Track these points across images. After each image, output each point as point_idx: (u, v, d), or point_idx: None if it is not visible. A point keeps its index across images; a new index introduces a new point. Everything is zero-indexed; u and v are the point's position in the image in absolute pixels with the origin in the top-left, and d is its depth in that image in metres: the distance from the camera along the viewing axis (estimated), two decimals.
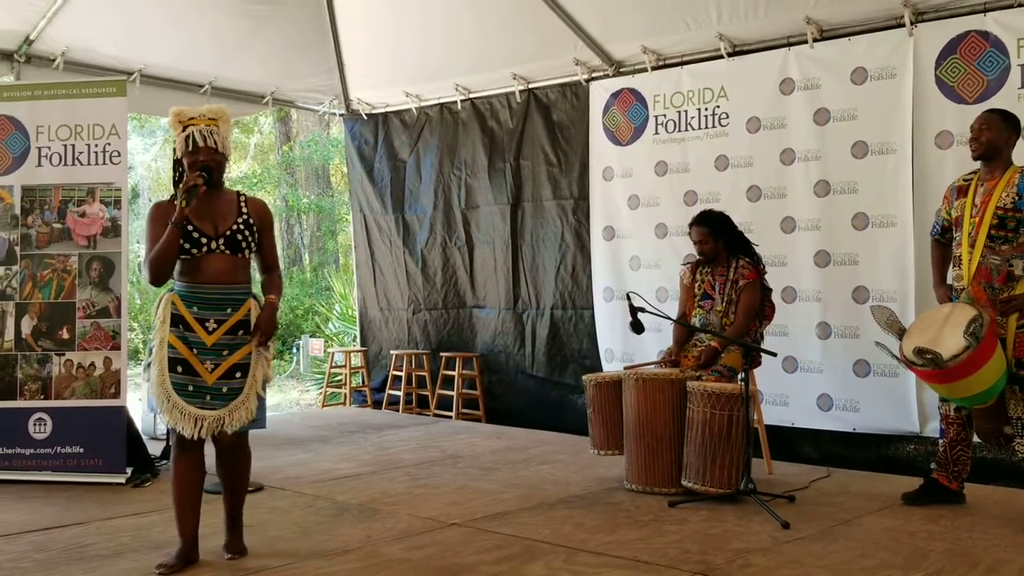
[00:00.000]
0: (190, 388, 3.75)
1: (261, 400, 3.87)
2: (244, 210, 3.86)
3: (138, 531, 4.42)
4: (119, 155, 5.75)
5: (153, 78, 7.69)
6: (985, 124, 4.59)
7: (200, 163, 3.77)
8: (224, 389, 3.77)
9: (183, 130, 3.78)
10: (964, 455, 4.83)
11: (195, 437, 3.72)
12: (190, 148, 3.78)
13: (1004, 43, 5.55)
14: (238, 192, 3.95)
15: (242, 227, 3.81)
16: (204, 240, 3.75)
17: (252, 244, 3.85)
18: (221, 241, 3.77)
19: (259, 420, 3.89)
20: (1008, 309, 4.45)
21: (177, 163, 3.94)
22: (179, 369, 3.75)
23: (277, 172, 19.92)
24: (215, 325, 3.76)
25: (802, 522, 4.52)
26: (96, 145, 5.74)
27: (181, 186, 3.75)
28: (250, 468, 4.10)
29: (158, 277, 3.78)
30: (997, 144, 4.58)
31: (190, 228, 3.73)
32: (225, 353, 3.78)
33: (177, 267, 3.80)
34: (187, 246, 3.73)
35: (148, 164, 21.08)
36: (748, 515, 4.64)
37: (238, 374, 3.80)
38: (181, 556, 3.81)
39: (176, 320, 3.77)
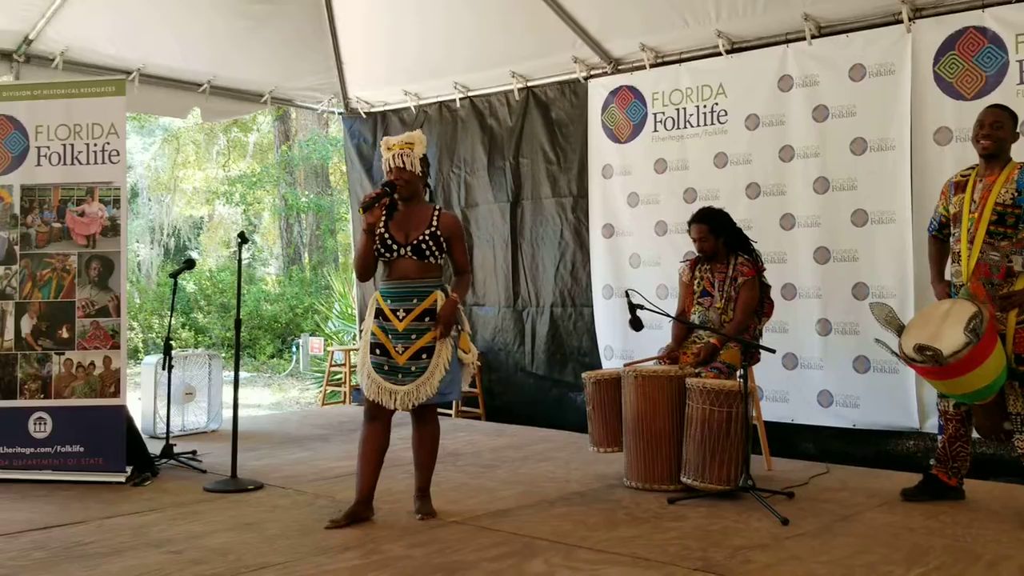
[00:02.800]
0: (386, 368, 4.47)
1: (454, 377, 4.50)
2: (434, 223, 4.50)
3: (138, 530, 4.42)
4: (118, 154, 5.75)
5: (152, 77, 7.70)
6: (999, 121, 4.58)
7: (386, 181, 4.56)
8: (412, 368, 4.43)
9: (388, 154, 4.54)
10: (963, 451, 4.84)
11: (392, 408, 4.47)
12: (388, 168, 4.54)
13: (1002, 39, 5.56)
14: (436, 207, 4.60)
15: (427, 238, 4.46)
16: (395, 247, 4.47)
17: (436, 252, 4.48)
18: (409, 248, 4.46)
19: (450, 394, 4.55)
20: (1008, 305, 4.46)
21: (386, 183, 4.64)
22: (377, 352, 4.49)
23: (276, 171, 19.93)
24: (404, 314, 4.45)
25: (801, 518, 4.53)
26: (95, 144, 5.74)
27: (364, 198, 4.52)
28: (437, 441, 4.67)
29: (360, 275, 4.71)
30: (1007, 141, 4.60)
31: (387, 236, 4.48)
32: (413, 337, 4.44)
33: (380, 268, 4.59)
34: (383, 251, 4.49)
35: (147, 163, 21.09)
36: (747, 511, 4.65)
37: (424, 355, 4.44)
38: (349, 514, 4.50)
39: (378, 312, 4.52)
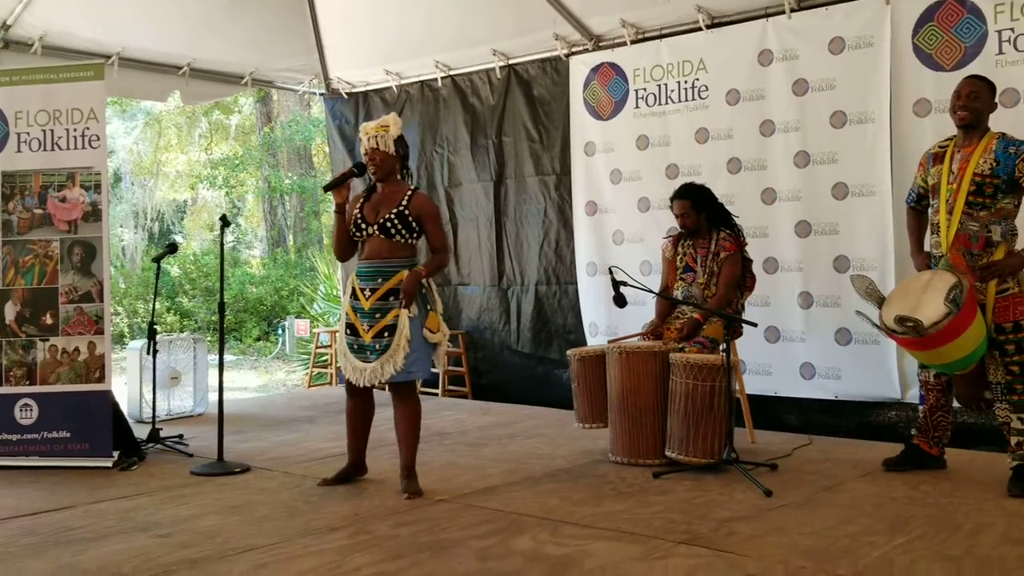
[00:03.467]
0: (355, 346, 4.63)
1: (418, 356, 4.58)
2: (404, 203, 4.59)
3: (125, 514, 4.43)
4: (98, 139, 5.72)
5: (131, 61, 7.65)
6: (975, 92, 4.57)
7: (356, 162, 4.79)
8: (376, 346, 4.55)
9: (364, 138, 4.65)
10: (944, 420, 4.89)
11: (361, 384, 4.61)
12: (364, 151, 4.67)
13: (981, 9, 5.57)
14: (411, 187, 4.69)
15: (394, 217, 4.55)
16: (364, 226, 4.61)
17: (404, 231, 4.57)
18: (376, 227, 4.58)
19: (414, 372, 4.61)
20: (987, 275, 4.49)
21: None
22: (348, 331, 4.66)
23: (259, 153, 19.83)
24: (370, 293, 4.58)
25: (785, 490, 4.58)
26: (75, 130, 5.70)
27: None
28: (416, 418, 4.73)
29: (338, 255, 4.91)
30: (984, 112, 4.60)
31: (358, 216, 4.63)
32: (377, 316, 4.56)
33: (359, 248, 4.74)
34: (354, 230, 4.65)
35: (129, 148, 20.97)
36: (731, 484, 4.70)
37: (386, 334, 4.53)
38: (340, 475, 4.88)
39: (352, 292, 4.66)
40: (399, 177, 4.72)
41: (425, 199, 4.69)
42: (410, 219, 4.58)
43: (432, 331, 4.62)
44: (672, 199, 5.68)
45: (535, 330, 7.96)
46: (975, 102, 4.57)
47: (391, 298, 4.54)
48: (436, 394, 8.24)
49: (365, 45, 8.55)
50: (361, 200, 4.72)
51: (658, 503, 4.42)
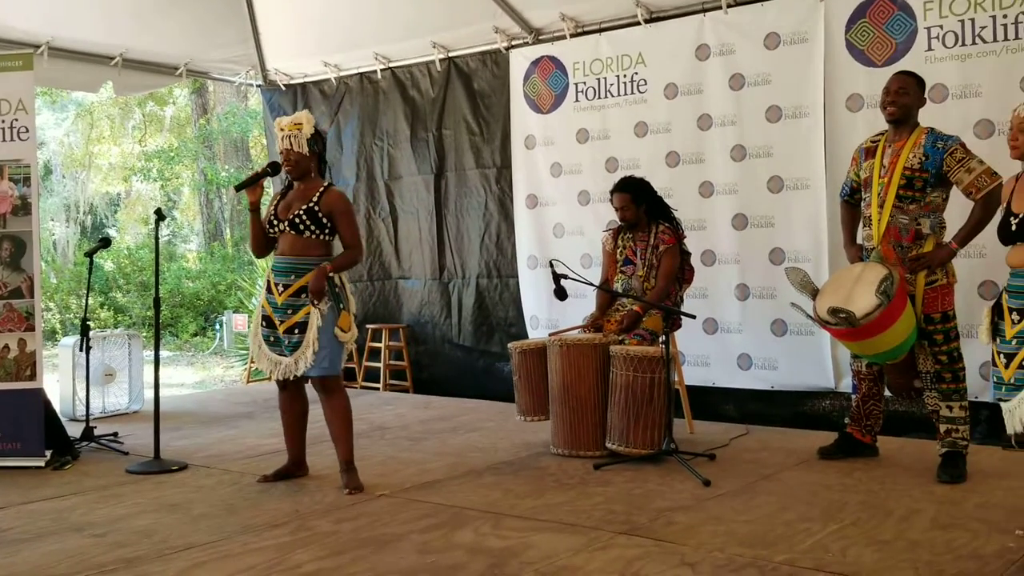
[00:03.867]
0: (271, 339, 4.67)
1: (331, 352, 4.58)
2: (314, 200, 4.61)
3: (59, 514, 4.34)
4: (27, 131, 5.57)
5: (62, 51, 7.48)
6: (904, 87, 4.67)
7: (270, 161, 4.92)
8: (287, 342, 4.59)
9: (279, 135, 4.69)
10: (876, 409, 5.00)
11: (279, 378, 4.67)
12: (279, 149, 4.69)
13: (911, 7, 5.68)
14: (325, 185, 4.69)
15: (303, 214, 4.58)
16: (276, 222, 4.65)
17: (314, 228, 4.59)
18: (286, 224, 4.61)
19: (328, 368, 4.60)
20: (917, 267, 4.58)
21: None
22: (264, 324, 4.69)
23: (195, 145, 19.50)
24: (283, 288, 4.61)
25: (723, 479, 4.65)
26: (3, 121, 5.55)
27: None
28: (344, 411, 4.71)
29: (254, 252, 4.92)
30: (913, 107, 4.69)
31: (272, 213, 4.69)
32: (289, 312, 4.59)
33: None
34: (268, 227, 4.70)
35: (60, 139, 20.45)
36: (671, 474, 4.75)
37: (297, 330, 4.57)
38: (280, 472, 4.89)
39: (268, 286, 4.69)
40: (315, 175, 4.72)
41: (337, 196, 4.70)
42: (320, 215, 4.59)
43: (344, 330, 4.61)
44: (612, 192, 5.72)
45: (476, 323, 7.96)
46: (904, 97, 4.66)
47: (303, 295, 4.56)
48: (378, 388, 8.21)
49: (303, 36, 8.46)
50: (278, 197, 4.78)
51: (599, 494, 4.45)
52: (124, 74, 7.95)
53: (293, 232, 4.60)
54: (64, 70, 7.62)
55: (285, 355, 4.61)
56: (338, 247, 4.73)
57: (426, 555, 3.61)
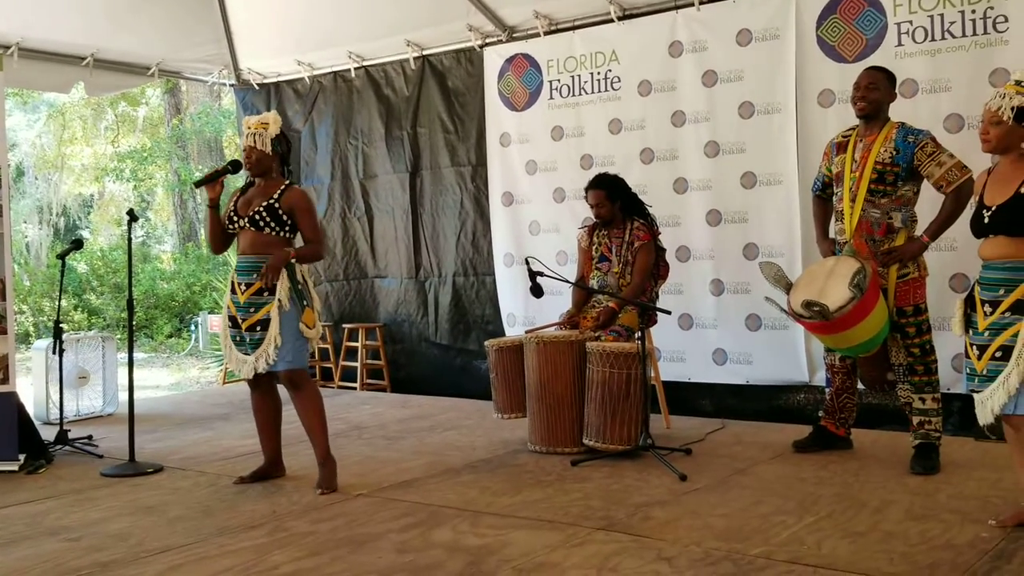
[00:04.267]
0: (237, 338, 4.69)
1: (295, 348, 4.60)
2: (275, 197, 4.63)
3: (33, 518, 4.31)
4: None
5: (32, 51, 7.40)
6: (873, 83, 4.70)
7: (232, 159, 4.91)
8: (248, 339, 4.62)
9: (245, 133, 4.72)
10: (850, 402, 5.04)
11: (242, 375, 4.72)
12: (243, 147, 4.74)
13: (881, 2, 5.72)
14: (285, 183, 4.72)
15: (263, 210, 4.60)
16: (236, 219, 4.67)
17: (274, 224, 4.61)
18: (246, 220, 4.63)
19: (292, 362, 4.62)
20: (889, 260, 4.62)
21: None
22: (231, 323, 4.70)
23: (168, 146, 19.36)
24: (245, 287, 4.62)
25: (699, 473, 4.67)
26: None
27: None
28: (314, 405, 4.73)
29: (211, 248, 4.97)
30: (883, 102, 4.73)
31: (231, 210, 4.70)
32: (251, 310, 4.61)
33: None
34: (228, 224, 4.71)
35: (32, 140, 20.25)
36: (648, 469, 4.78)
37: (259, 327, 4.59)
38: (256, 473, 4.88)
39: (232, 286, 4.71)
40: (276, 175, 4.75)
41: (298, 193, 4.73)
42: (280, 212, 4.62)
43: (308, 326, 4.63)
44: (587, 189, 5.73)
45: (453, 322, 7.95)
46: (874, 92, 4.70)
47: (265, 293, 4.58)
48: (355, 388, 8.19)
49: (276, 35, 8.42)
50: (238, 194, 4.80)
51: (576, 490, 4.46)
52: (96, 74, 7.89)
53: (253, 228, 4.63)
54: (35, 71, 7.55)
55: (249, 353, 4.62)
56: (299, 245, 4.76)
57: (404, 554, 3.60)
